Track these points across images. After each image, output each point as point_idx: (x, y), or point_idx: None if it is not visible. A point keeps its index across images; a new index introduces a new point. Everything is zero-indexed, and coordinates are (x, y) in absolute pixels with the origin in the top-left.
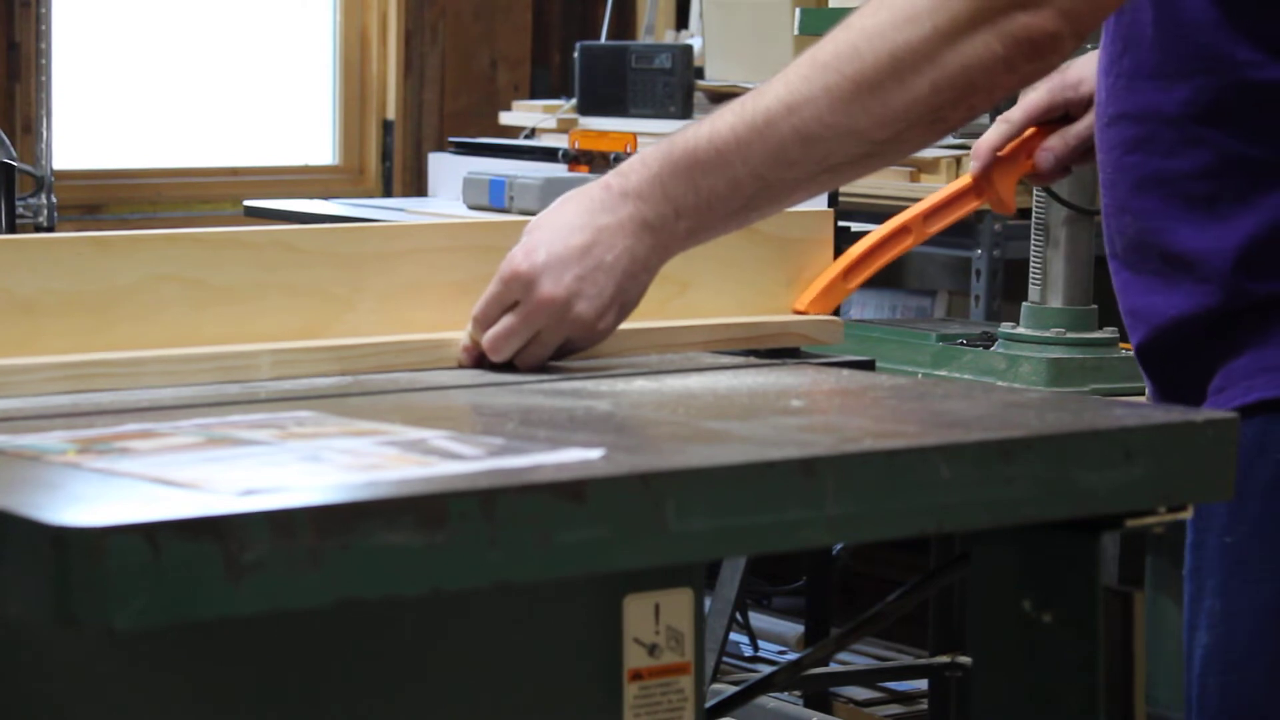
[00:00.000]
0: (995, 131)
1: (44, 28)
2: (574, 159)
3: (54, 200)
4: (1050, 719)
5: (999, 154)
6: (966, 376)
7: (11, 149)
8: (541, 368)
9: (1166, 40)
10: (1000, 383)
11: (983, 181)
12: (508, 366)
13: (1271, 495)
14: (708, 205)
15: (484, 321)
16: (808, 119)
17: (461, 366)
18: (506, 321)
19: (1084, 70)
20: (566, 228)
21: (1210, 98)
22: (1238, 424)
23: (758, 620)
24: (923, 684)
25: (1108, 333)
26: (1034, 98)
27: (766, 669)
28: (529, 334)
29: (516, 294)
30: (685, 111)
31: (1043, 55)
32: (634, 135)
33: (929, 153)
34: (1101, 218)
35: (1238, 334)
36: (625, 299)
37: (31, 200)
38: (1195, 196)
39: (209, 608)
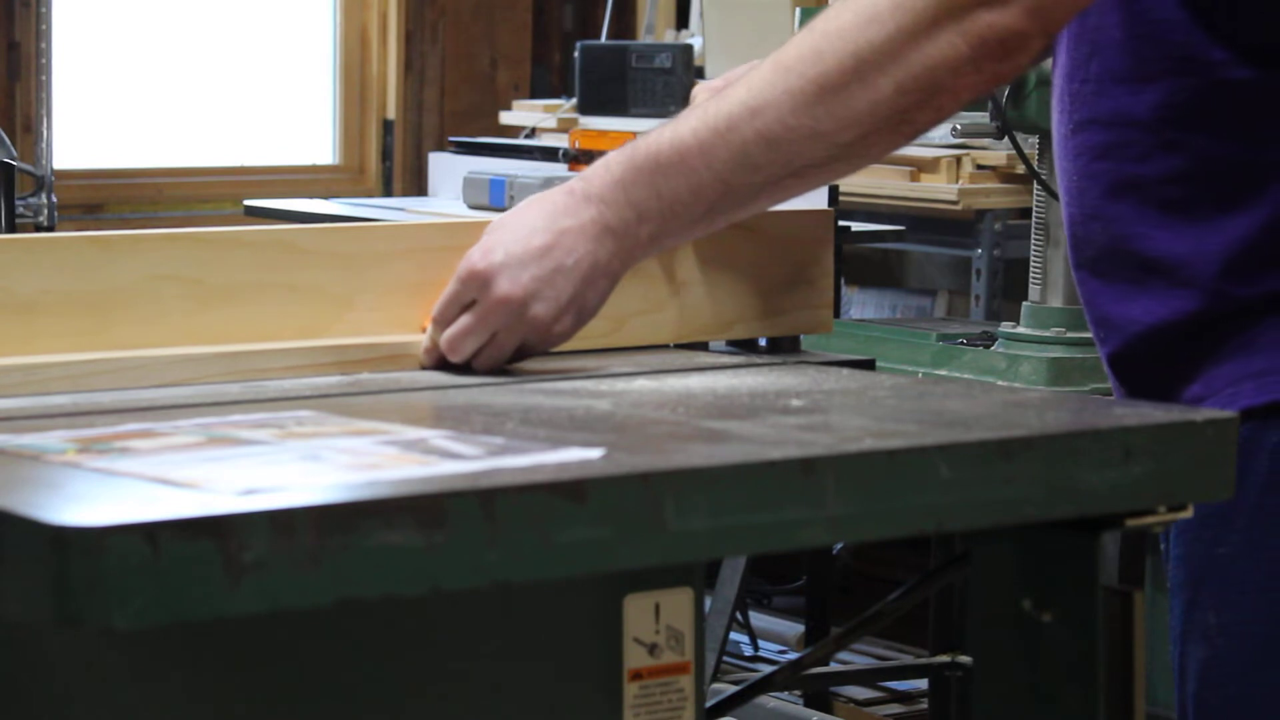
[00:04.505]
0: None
1: (44, 27)
2: (574, 158)
3: (54, 200)
4: (1050, 719)
5: None
6: (966, 376)
7: (11, 148)
8: (502, 369)
9: (1137, 42)
10: (1000, 382)
11: None
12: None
13: (1260, 505)
14: (670, 210)
15: (442, 321)
16: (770, 121)
17: (423, 368)
18: (464, 321)
19: None
20: (527, 229)
21: (1184, 99)
22: (1238, 423)
23: (758, 620)
24: (923, 684)
25: None
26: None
27: (766, 668)
28: (486, 334)
29: (473, 293)
30: None
31: (1010, 54)
32: (634, 135)
33: (930, 152)
34: (1064, 227)
35: (1218, 340)
36: (583, 303)
37: (31, 200)
38: (1171, 201)
39: (209, 607)
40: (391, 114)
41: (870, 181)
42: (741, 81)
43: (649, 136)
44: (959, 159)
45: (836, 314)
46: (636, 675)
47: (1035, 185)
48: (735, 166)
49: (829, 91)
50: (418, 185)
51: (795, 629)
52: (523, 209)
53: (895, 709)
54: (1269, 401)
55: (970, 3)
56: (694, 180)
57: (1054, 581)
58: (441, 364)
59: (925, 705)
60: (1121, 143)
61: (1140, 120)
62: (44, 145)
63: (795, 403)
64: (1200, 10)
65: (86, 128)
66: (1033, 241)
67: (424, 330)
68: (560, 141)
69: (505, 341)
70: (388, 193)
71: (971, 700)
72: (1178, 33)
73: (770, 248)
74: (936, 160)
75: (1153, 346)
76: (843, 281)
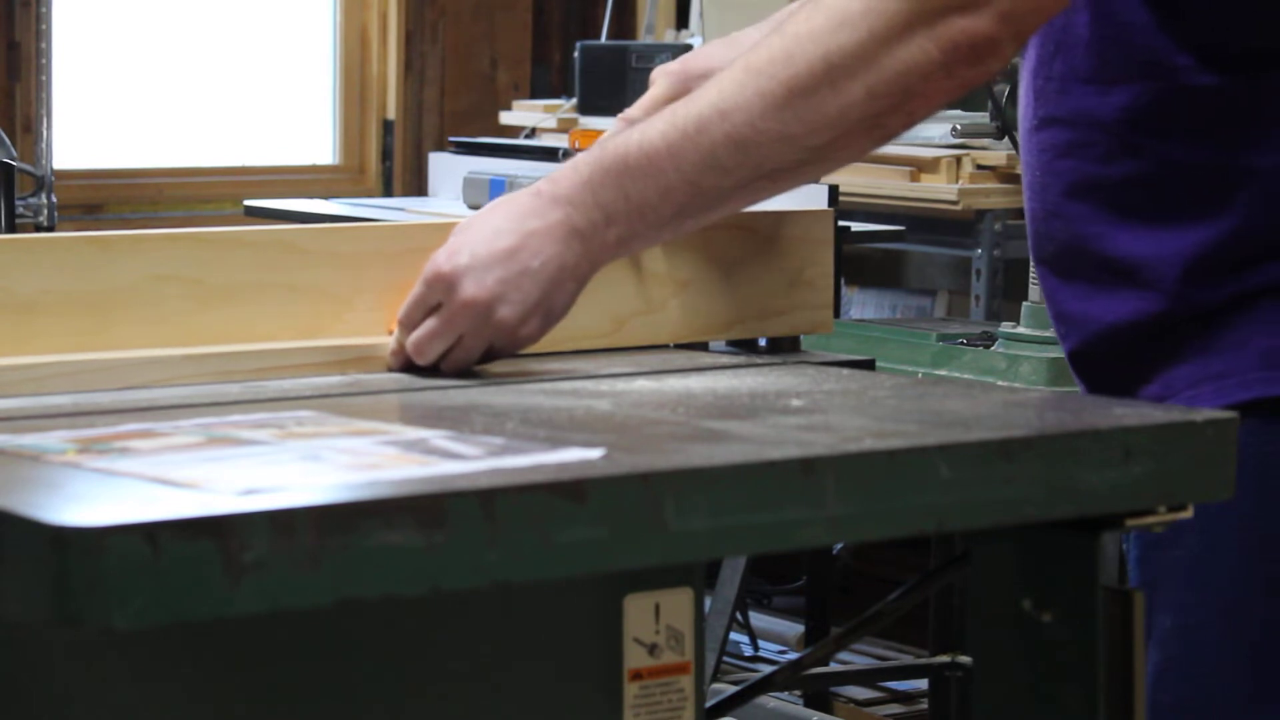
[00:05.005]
0: (616, 131)
1: (44, 27)
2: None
3: (54, 200)
4: (1050, 719)
5: None
6: (966, 376)
7: (11, 148)
8: (470, 371)
9: (1103, 44)
10: (1000, 382)
11: None
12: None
13: (1216, 510)
14: (639, 212)
15: (408, 324)
16: (740, 124)
17: (389, 370)
18: (429, 324)
19: (710, 60)
20: (493, 231)
21: (1148, 103)
22: (1237, 423)
23: (758, 620)
24: (923, 684)
25: None
26: (657, 93)
27: (766, 669)
28: (452, 337)
29: (439, 295)
30: None
31: (981, 60)
32: None
33: (930, 152)
34: (1026, 223)
35: (1178, 341)
36: (550, 305)
37: (31, 200)
38: (1132, 204)
39: (209, 607)
40: (391, 114)
41: (870, 181)
42: (711, 83)
43: (617, 138)
44: (959, 159)
45: (836, 314)
46: (636, 675)
47: None
48: (704, 169)
49: (799, 95)
50: (418, 185)
51: (795, 629)
52: (489, 210)
53: (895, 709)
54: (1227, 404)
55: (942, 8)
56: (662, 182)
57: (1054, 581)
58: (408, 366)
59: (925, 705)
60: (1084, 142)
61: (1103, 121)
62: (44, 145)
63: (795, 403)
64: (1166, 15)
65: (86, 128)
66: None
67: (390, 332)
68: (560, 142)
69: (472, 344)
70: (388, 193)
71: (971, 700)
72: (1144, 36)
73: (770, 248)
74: (936, 160)
75: (1113, 345)
76: (843, 281)
